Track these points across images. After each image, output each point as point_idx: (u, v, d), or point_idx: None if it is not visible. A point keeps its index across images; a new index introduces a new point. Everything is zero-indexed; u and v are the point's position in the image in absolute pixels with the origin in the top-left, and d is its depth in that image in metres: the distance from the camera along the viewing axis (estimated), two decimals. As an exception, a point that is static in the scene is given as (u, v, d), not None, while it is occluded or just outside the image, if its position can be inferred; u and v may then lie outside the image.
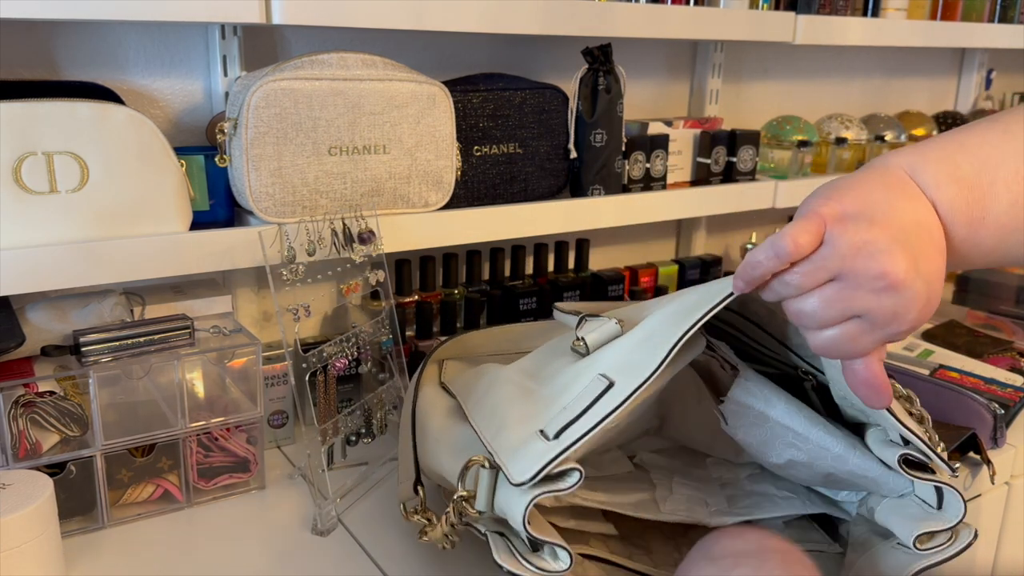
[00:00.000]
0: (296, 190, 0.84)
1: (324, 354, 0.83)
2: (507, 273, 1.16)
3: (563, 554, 0.56)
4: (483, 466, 0.59)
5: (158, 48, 0.93)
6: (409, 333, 1.05)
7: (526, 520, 0.55)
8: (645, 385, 0.57)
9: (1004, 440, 0.96)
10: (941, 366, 1.09)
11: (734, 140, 1.20)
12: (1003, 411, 0.96)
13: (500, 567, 0.56)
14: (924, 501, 0.64)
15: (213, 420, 0.82)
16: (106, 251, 0.76)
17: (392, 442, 0.94)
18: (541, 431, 0.59)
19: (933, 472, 0.62)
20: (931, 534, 0.61)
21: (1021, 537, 1.06)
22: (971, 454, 0.92)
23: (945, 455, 0.63)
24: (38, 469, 0.72)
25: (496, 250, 1.13)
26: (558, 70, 1.21)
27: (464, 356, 0.87)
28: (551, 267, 1.18)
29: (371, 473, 0.89)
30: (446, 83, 0.93)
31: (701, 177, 1.22)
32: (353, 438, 0.89)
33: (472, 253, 1.11)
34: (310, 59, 0.83)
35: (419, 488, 0.68)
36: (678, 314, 0.61)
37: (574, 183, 1.08)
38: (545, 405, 0.62)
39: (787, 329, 0.71)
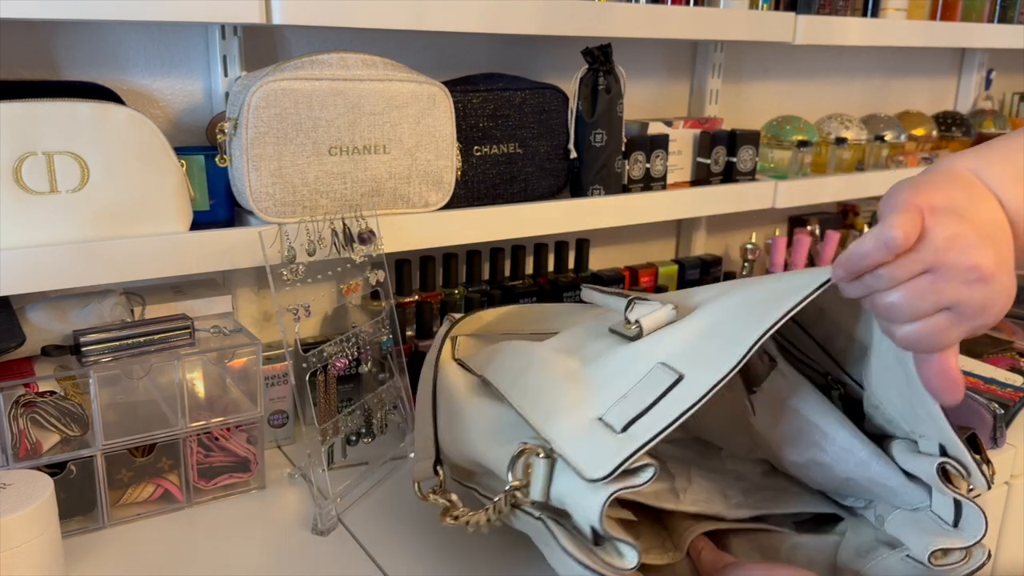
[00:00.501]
0: (296, 190, 0.84)
1: (324, 354, 0.83)
2: (507, 273, 1.16)
3: (630, 553, 0.53)
4: (537, 455, 0.57)
5: (158, 48, 0.93)
6: (409, 333, 1.05)
7: (603, 517, 0.52)
8: (724, 381, 0.54)
9: (1004, 440, 0.96)
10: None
11: (734, 140, 1.20)
12: (1003, 411, 0.96)
13: (568, 554, 0.54)
14: (940, 517, 0.63)
15: (213, 420, 0.82)
16: (106, 251, 0.76)
17: (393, 442, 0.94)
18: (601, 419, 0.56)
19: (959, 485, 0.61)
20: (946, 551, 0.61)
21: (1021, 537, 1.06)
22: (971, 454, 0.92)
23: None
24: (38, 469, 0.72)
25: (496, 250, 1.13)
26: (558, 70, 1.21)
27: (478, 333, 0.85)
28: (551, 267, 1.18)
29: (371, 473, 0.89)
30: (446, 83, 0.93)
31: (701, 177, 1.22)
32: (353, 438, 0.89)
33: (472, 253, 1.11)
34: (310, 59, 0.83)
35: (439, 468, 0.67)
36: (756, 303, 0.58)
37: (574, 183, 1.08)
38: (596, 390, 0.59)
39: (836, 335, 0.69)
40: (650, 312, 0.63)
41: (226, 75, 0.94)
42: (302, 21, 0.81)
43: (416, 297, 1.06)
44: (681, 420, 0.53)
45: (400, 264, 1.05)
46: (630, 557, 0.53)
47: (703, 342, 0.58)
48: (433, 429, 0.71)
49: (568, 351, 0.67)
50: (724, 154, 1.21)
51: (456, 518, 0.63)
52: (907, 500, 0.65)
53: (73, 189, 0.75)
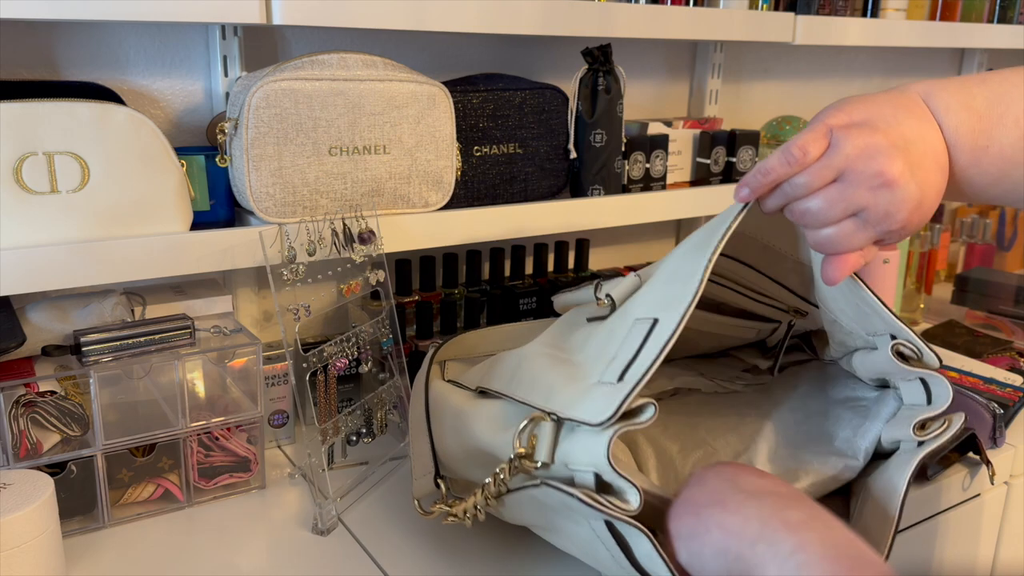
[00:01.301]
0: (296, 190, 0.84)
1: (324, 354, 0.83)
2: (507, 273, 1.16)
3: (633, 494, 0.56)
4: (544, 420, 0.60)
5: (158, 48, 0.93)
6: (409, 333, 1.05)
7: (609, 455, 0.55)
8: (689, 311, 0.58)
9: (1003, 440, 0.96)
10: (940, 366, 1.09)
11: (734, 140, 1.21)
12: (1002, 411, 0.96)
13: (572, 497, 0.56)
14: (914, 405, 0.69)
15: (214, 420, 0.82)
16: (107, 251, 0.76)
17: (393, 442, 0.94)
18: (599, 382, 0.59)
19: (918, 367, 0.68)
20: (924, 423, 0.67)
21: (1021, 537, 1.06)
22: (970, 454, 0.92)
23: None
24: (39, 469, 0.72)
25: (496, 250, 1.13)
26: (558, 70, 1.21)
27: (463, 356, 0.88)
28: (551, 267, 1.18)
29: (371, 472, 0.89)
30: (446, 83, 0.93)
31: (701, 177, 1.22)
32: (353, 438, 0.89)
33: (472, 253, 1.11)
34: (310, 59, 0.83)
35: (439, 481, 0.69)
36: (695, 247, 0.63)
37: (574, 183, 1.08)
38: (590, 365, 0.63)
39: (785, 265, 0.76)
40: (617, 284, 0.69)
41: (226, 75, 0.94)
42: (302, 21, 0.81)
43: (416, 297, 1.06)
44: (664, 352, 0.57)
45: (400, 264, 1.05)
46: (632, 499, 0.56)
47: (665, 288, 0.63)
48: (430, 444, 0.73)
49: (554, 346, 0.71)
50: (724, 154, 1.21)
51: (454, 515, 0.66)
52: (887, 411, 0.72)
53: (73, 189, 0.75)
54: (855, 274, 0.65)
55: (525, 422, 0.60)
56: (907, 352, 0.67)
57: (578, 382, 0.61)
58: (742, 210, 0.61)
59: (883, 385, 0.75)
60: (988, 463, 0.90)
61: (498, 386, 0.69)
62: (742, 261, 0.79)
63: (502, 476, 0.61)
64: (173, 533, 0.78)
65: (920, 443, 0.66)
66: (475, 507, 0.64)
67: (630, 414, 0.57)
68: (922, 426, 0.66)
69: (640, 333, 0.60)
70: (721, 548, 0.52)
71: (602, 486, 0.57)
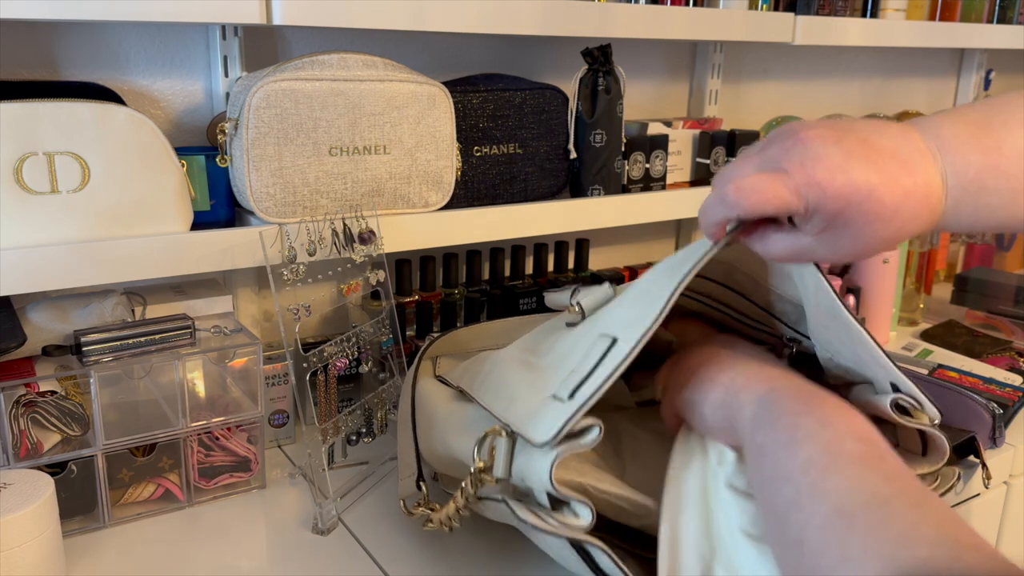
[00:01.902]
0: (297, 190, 0.84)
1: (325, 354, 0.83)
2: (507, 273, 1.16)
3: (584, 511, 0.57)
4: (499, 435, 0.61)
5: (159, 48, 0.93)
6: (409, 333, 1.05)
7: (552, 477, 0.56)
8: (646, 337, 0.59)
9: (1003, 440, 0.96)
10: (940, 366, 1.10)
11: (733, 140, 1.21)
12: (1002, 411, 0.96)
13: (523, 522, 0.57)
14: (911, 452, 0.68)
15: (214, 420, 0.83)
16: (107, 251, 0.76)
17: (393, 441, 0.94)
18: (554, 396, 0.60)
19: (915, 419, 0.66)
20: (920, 477, 0.66)
21: (1020, 537, 1.06)
22: (970, 457, 0.92)
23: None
24: (39, 469, 0.72)
25: (496, 250, 1.13)
26: (558, 70, 1.21)
27: (455, 352, 0.88)
28: (551, 267, 1.18)
29: (371, 472, 0.89)
30: (446, 83, 0.93)
31: (701, 177, 1.22)
32: (354, 437, 0.89)
33: (472, 253, 1.11)
34: (311, 59, 0.83)
35: (421, 484, 0.69)
36: (669, 268, 0.63)
37: (574, 183, 1.08)
38: (551, 373, 0.63)
39: (770, 297, 0.74)
40: (589, 293, 0.69)
41: (227, 75, 0.94)
42: (302, 21, 0.81)
43: (416, 297, 1.06)
44: (615, 376, 0.57)
45: (400, 264, 1.05)
46: (584, 516, 0.57)
47: (632, 307, 0.63)
48: (414, 444, 0.74)
49: (528, 349, 0.71)
50: (724, 154, 1.21)
51: (431, 522, 0.66)
52: None
53: (74, 189, 0.75)
54: (856, 319, 0.63)
55: (483, 435, 0.61)
56: (906, 405, 0.64)
57: (536, 393, 0.62)
58: (716, 245, 0.60)
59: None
60: (984, 467, 0.90)
61: (470, 388, 0.71)
62: (733, 289, 0.77)
63: (469, 488, 0.62)
64: (173, 533, 0.78)
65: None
66: (448, 517, 0.65)
67: (576, 434, 0.57)
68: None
69: (599, 351, 0.61)
70: (712, 397, 0.61)
71: (554, 502, 0.58)
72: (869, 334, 0.64)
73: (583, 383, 0.59)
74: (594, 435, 0.57)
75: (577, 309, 0.68)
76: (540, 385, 0.63)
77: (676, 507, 0.59)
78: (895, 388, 0.65)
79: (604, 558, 0.57)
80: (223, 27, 0.93)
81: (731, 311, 0.79)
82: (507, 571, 0.73)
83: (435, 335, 0.87)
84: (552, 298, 0.77)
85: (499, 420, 0.63)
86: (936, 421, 0.64)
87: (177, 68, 0.95)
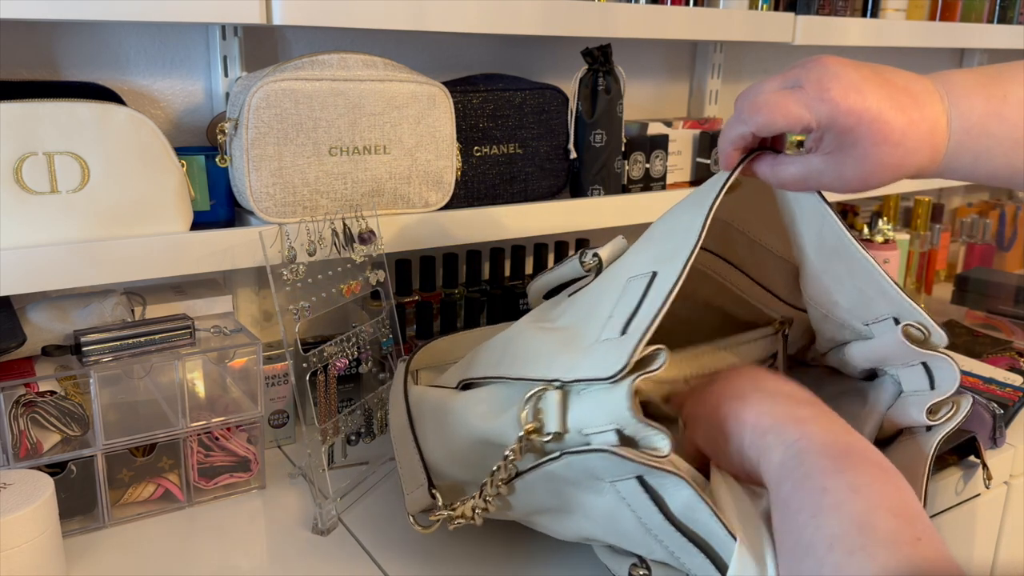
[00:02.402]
0: (297, 190, 0.84)
1: (324, 354, 0.83)
2: (507, 273, 1.16)
3: (662, 440, 0.54)
4: (548, 390, 0.57)
5: (158, 48, 0.93)
6: (409, 333, 1.05)
7: (631, 406, 0.53)
8: (690, 261, 0.56)
9: (1003, 440, 0.96)
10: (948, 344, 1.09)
11: (734, 140, 1.20)
12: (1002, 411, 0.96)
13: (613, 454, 0.53)
14: (916, 391, 0.67)
15: (214, 420, 0.83)
16: (107, 251, 0.76)
17: (392, 442, 0.94)
18: (599, 340, 0.57)
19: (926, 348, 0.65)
20: (935, 407, 0.65)
21: (1020, 537, 1.06)
22: (971, 457, 0.92)
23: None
24: (39, 469, 0.72)
25: (496, 250, 1.13)
26: (558, 70, 1.21)
27: (434, 364, 0.86)
28: (551, 267, 1.18)
29: (371, 472, 0.89)
30: (446, 83, 0.93)
31: (701, 177, 1.22)
32: (353, 437, 0.89)
33: (472, 253, 1.11)
34: (311, 59, 0.83)
35: (434, 492, 0.67)
36: (689, 205, 0.62)
37: (574, 183, 1.08)
38: (583, 327, 0.60)
39: (766, 264, 0.74)
40: (603, 247, 0.68)
41: (226, 75, 0.94)
42: (302, 21, 0.81)
43: (416, 297, 1.06)
44: (669, 300, 0.55)
45: (400, 264, 1.05)
46: (663, 445, 0.54)
47: (660, 244, 0.62)
48: (418, 453, 0.70)
49: (538, 320, 0.69)
50: (724, 154, 1.21)
51: (461, 516, 0.63)
52: (886, 398, 0.70)
53: (73, 189, 0.75)
54: (861, 244, 0.63)
55: (529, 394, 0.58)
56: (915, 333, 0.64)
57: (575, 345, 0.59)
58: (731, 171, 0.61)
59: (872, 376, 0.73)
60: (985, 467, 0.90)
61: (486, 372, 0.67)
62: (730, 261, 0.78)
63: (511, 458, 0.58)
64: (173, 533, 0.78)
65: (929, 428, 0.65)
66: (485, 499, 0.61)
67: (642, 363, 0.54)
68: (932, 411, 0.65)
69: (638, 288, 0.58)
70: (737, 436, 0.58)
71: (624, 442, 0.54)
72: (875, 262, 0.63)
73: (632, 319, 0.56)
74: (662, 360, 0.54)
75: (592, 261, 0.66)
76: (575, 339, 0.60)
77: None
78: (897, 322, 0.65)
79: (684, 491, 0.53)
80: (223, 27, 0.93)
81: (729, 284, 0.79)
82: (508, 572, 0.73)
83: (413, 350, 0.85)
84: (543, 280, 0.74)
85: (540, 381, 0.58)
86: (944, 345, 0.64)
87: (177, 68, 0.95)
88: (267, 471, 0.88)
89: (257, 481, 0.87)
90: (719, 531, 0.53)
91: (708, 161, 1.20)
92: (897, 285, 0.64)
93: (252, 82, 0.81)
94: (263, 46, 0.99)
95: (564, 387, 0.57)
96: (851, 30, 1.28)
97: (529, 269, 1.19)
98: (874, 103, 0.55)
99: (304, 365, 0.81)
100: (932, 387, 0.66)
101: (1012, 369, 1.11)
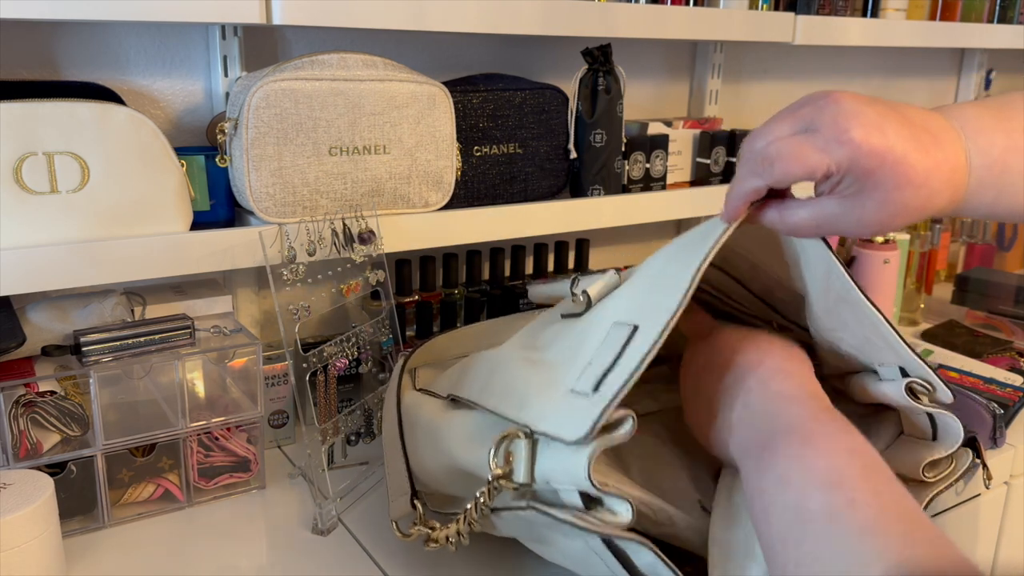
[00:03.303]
0: (296, 190, 0.84)
1: (324, 354, 0.83)
2: (507, 273, 1.16)
3: (623, 506, 0.54)
4: (518, 437, 0.57)
5: (158, 48, 0.93)
6: (409, 333, 1.05)
7: (590, 473, 0.52)
8: (672, 322, 0.55)
9: (1004, 440, 0.96)
10: (940, 366, 1.09)
11: (734, 140, 1.20)
12: (1002, 411, 0.96)
13: (560, 522, 0.54)
14: (917, 439, 0.66)
15: (213, 420, 0.82)
16: (107, 251, 0.76)
17: (392, 442, 0.94)
18: (573, 390, 0.57)
19: (929, 402, 0.64)
20: (934, 463, 0.64)
21: (1020, 537, 1.06)
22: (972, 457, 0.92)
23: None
24: (39, 469, 0.72)
25: (496, 250, 1.13)
26: (558, 70, 1.21)
27: (433, 362, 0.86)
28: (551, 267, 1.18)
29: (371, 472, 0.89)
30: (446, 83, 0.93)
31: (701, 177, 1.22)
32: (353, 438, 0.89)
33: (472, 253, 1.11)
34: (310, 59, 0.83)
35: (416, 502, 0.67)
36: (683, 249, 0.60)
37: (574, 183, 1.08)
38: (562, 367, 0.60)
39: (769, 284, 0.72)
40: (594, 281, 0.65)
41: (226, 75, 0.94)
42: (302, 21, 0.81)
43: (416, 297, 1.06)
44: (644, 364, 0.54)
45: (400, 264, 1.05)
46: (623, 512, 0.54)
47: (648, 294, 0.60)
48: (404, 462, 0.70)
49: (526, 347, 0.68)
50: (724, 154, 1.21)
51: (435, 540, 0.63)
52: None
53: (73, 189, 0.75)
54: (869, 299, 0.62)
55: (499, 439, 0.58)
56: (920, 389, 0.63)
57: (551, 389, 0.59)
58: (735, 221, 0.58)
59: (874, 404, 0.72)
60: (985, 467, 0.89)
61: (469, 394, 0.67)
62: (732, 275, 0.75)
63: (482, 500, 0.58)
64: (173, 533, 0.78)
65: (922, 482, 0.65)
66: (457, 533, 0.62)
67: (607, 428, 0.54)
68: (931, 465, 0.64)
69: (618, 340, 0.57)
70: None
71: (589, 499, 0.55)
72: (884, 316, 0.62)
73: (606, 375, 0.55)
74: (628, 427, 0.54)
75: (582, 298, 0.65)
76: (552, 381, 0.59)
77: (727, 557, 0.57)
78: (904, 373, 0.63)
79: (647, 556, 0.54)
80: (223, 27, 0.93)
81: (726, 298, 0.77)
82: (508, 573, 0.73)
83: (410, 349, 0.85)
84: (539, 291, 0.74)
85: (514, 423, 0.59)
86: (949, 402, 0.64)
87: (177, 68, 0.95)
88: (267, 471, 0.88)
89: (257, 481, 0.87)
90: None
91: (708, 161, 1.20)
92: (903, 340, 0.62)
93: (252, 82, 0.81)
94: (263, 46, 0.99)
95: (533, 435, 0.57)
96: (851, 30, 1.28)
97: (529, 269, 1.19)
98: (898, 144, 0.52)
99: (304, 365, 0.81)
100: (934, 438, 0.65)
101: (1012, 369, 1.11)
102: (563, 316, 0.67)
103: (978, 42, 1.49)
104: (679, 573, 0.53)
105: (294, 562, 0.74)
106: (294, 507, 0.83)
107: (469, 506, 0.60)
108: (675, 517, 0.63)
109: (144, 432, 0.79)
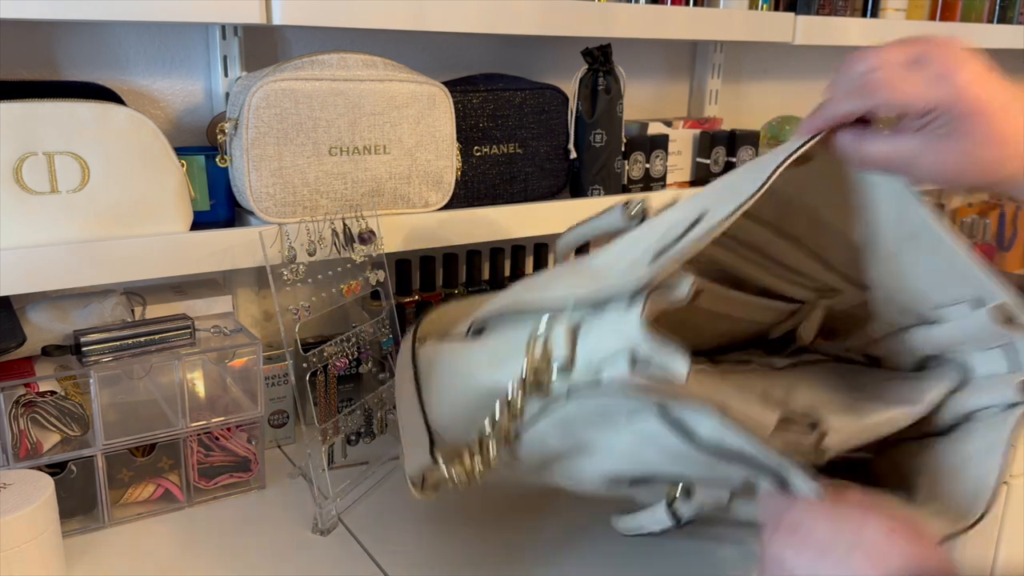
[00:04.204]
0: (296, 190, 0.84)
1: (324, 354, 0.83)
2: (507, 273, 1.16)
3: (678, 361, 0.49)
4: (557, 323, 0.53)
5: (158, 48, 0.93)
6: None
7: (643, 321, 0.48)
8: (746, 205, 0.51)
9: (1003, 440, 0.95)
10: None
11: (733, 140, 1.21)
12: (1002, 411, 0.95)
13: (613, 394, 0.49)
14: (993, 375, 0.63)
15: (214, 420, 0.83)
16: (107, 251, 0.76)
17: (393, 441, 0.94)
18: (627, 268, 0.52)
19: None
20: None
21: (1020, 536, 1.06)
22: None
23: None
24: (39, 469, 0.72)
25: (496, 250, 1.13)
26: (558, 70, 1.21)
27: (445, 330, 0.81)
28: (551, 267, 1.18)
29: (371, 472, 0.89)
30: (446, 83, 0.93)
31: (701, 177, 1.22)
32: (353, 438, 0.89)
33: (472, 253, 1.11)
34: (310, 59, 0.83)
35: (435, 453, 0.62)
36: (754, 166, 0.57)
37: (574, 183, 1.08)
38: (613, 265, 0.55)
39: (825, 240, 0.69)
40: (651, 200, 0.62)
41: (226, 75, 0.94)
42: (302, 21, 0.81)
43: (416, 297, 1.06)
44: (712, 234, 0.50)
45: (400, 264, 1.05)
46: (680, 366, 0.49)
47: (713, 195, 0.56)
48: (422, 413, 0.67)
49: (569, 264, 0.64)
50: (724, 154, 1.21)
51: (463, 470, 0.58)
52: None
53: (73, 189, 0.75)
54: (950, 228, 0.60)
55: (538, 331, 0.53)
56: (1005, 313, 0.60)
57: (599, 275, 0.54)
58: (812, 138, 0.55)
59: (919, 367, 0.68)
60: None
61: (501, 305, 0.62)
62: (788, 233, 0.72)
63: (518, 404, 0.54)
64: (173, 533, 0.78)
65: (1011, 405, 0.61)
66: (489, 450, 0.57)
67: (664, 288, 0.49)
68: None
69: (679, 228, 0.52)
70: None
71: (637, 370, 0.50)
72: (963, 245, 0.60)
73: (667, 249, 0.50)
74: (685, 287, 0.49)
75: (638, 207, 0.60)
76: (602, 275, 0.55)
77: None
78: (975, 306, 0.60)
79: (708, 421, 0.49)
80: (223, 27, 0.93)
81: (767, 260, 0.72)
82: (507, 571, 0.73)
83: (424, 315, 0.82)
84: (578, 232, 0.68)
85: (553, 309, 0.54)
86: None
87: (177, 68, 0.95)
88: (267, 471, 0.88)
89: (257, 481, 0.87)
90: (757, 451, 0.50)
91: (708, 161, 1.20)
92: (984, 266, 0.60)
93: (252, 82, 0.81)
94: (263, 46, 0.99)
95: (575, 313, 0.53)
96: (851, 30, 1.28)
97: (529, 269, 1.19)
98: (997, 99, 0.53)
99: (304, 365, 0.81)
100: (1011, 369, 0.62)
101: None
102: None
103: (978, 42, 1.49)
104: (745, 434, 0.49)
105: (294, 562, 0.74)
106: (294, 507, 0.83)
107: (501, 410, 0.56)
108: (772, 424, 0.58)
109: (144, 432, 0.79)
